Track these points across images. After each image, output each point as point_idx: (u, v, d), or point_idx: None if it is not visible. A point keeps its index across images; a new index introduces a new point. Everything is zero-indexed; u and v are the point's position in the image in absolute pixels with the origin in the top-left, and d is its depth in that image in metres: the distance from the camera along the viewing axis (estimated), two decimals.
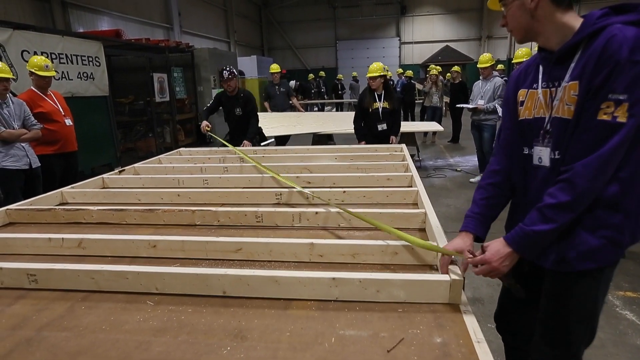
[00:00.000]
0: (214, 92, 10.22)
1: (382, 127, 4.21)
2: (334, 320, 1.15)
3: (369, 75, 4.23)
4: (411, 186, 2.46)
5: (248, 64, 14.06)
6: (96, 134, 6.20)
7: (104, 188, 2.73)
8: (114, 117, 6.84)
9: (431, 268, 1.44)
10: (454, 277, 1.20)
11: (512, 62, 4.87)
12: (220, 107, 4.63)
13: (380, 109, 4.24)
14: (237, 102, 4.45)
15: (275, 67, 7.13)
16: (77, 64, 5.91)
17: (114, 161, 6.76)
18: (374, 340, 1.06)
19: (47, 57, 5.12)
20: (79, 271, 1.34)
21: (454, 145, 8.80)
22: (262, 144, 4.72)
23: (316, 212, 1.87)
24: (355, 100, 14.10)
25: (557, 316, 1.34)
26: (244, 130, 4.34)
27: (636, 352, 2.25)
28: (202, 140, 9.20)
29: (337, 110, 14.63)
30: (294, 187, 2.27)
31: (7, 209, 2.09)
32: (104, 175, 2.84)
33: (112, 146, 6.72)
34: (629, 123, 1.07)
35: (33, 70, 3.70)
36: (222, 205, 2.23)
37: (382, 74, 4.18)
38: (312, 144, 6.43)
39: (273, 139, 5.02)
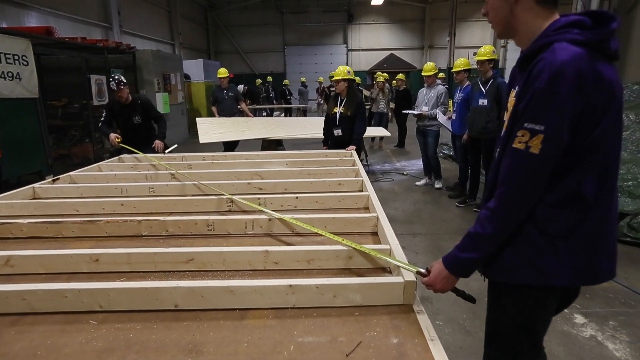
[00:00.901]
0: (158, 95, 9.82)
1: (337, 132, 4.17)
2: (292, 328, 1.14)
3: (333, 78, 4.21)
4: (362, 191, 2.51)
5: (194, 68, 13.65)
6: (23, 139, 5.68)
7: (34, 199, 2.51)
8: (45, 121, 6.32)
9: (384, 271, 1.47)
10: (407, 278, 1.24)
11: (452, 71, 5.12)
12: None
13: (338, 114, 4.18)
14: (134, 110, 4.25)
15: (223, 72, 6.97)
16: (0, 62, 5.39)
17: (44, 169, 6.23)
18: (332, 345, 1.06)
19: None
20: (7, 292, 1.22)
21: (399, 149, 9.12)
22: (166, 151, 4.49)
23: (269, 219, 1.85)
24: (305, 105, 14.19)
25: (490, 322, 1.39)
26: (146, 138, 4.16)
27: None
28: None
29: (285, 116, 14.62)
30: (223, 194, 2.24)
31: None
32: (35, 185, 2.61)
33: (43, 152, 6.20)
34: (541, 155, 1.05)
35: None
36: (171, 214, 2.14)
37: (345, 77, 4.08)
38: (262, 150, 6.37)
39: (176, 145, 4.84)
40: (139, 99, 4.33)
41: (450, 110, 5.39)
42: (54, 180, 2.77)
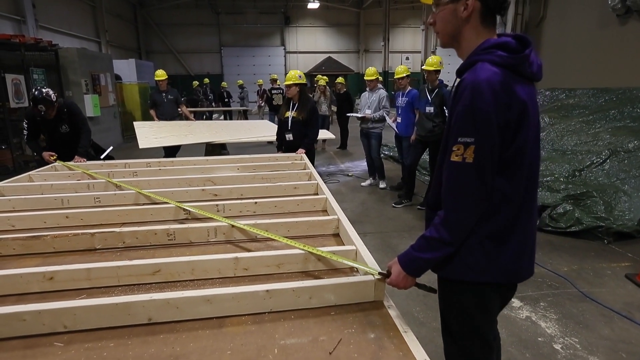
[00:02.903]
0: (87, 97, 9.15)
1: (288, 136, 4.17)
2: (273, 331, 1.17)
3: (285, 82, 4.19)
4: (317, 194, 2.58)
5: (125, 68, 12.87)
6: None
7: None
8: None
9: (352, 270, 1.54)
10: (377, 276, 1.32)
11: (395, 77, 5.39)
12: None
13: (290, 119, 4.18)
14: (60, 119, 3.91)
15: (160, 74, 6.67)
16: None
17: None
18: (314, 344, 1.11)
19: None
20: None
21: (342, 151, 9.36)
22: (101, 156, 4.24)
23: (232, 225, 1.84)
24: (246, 107, 13.98)
25: (441, 314, 1.48)
26: (76, 148, 3.86)
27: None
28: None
29: (225, 119, 14.29)
30: (168, 203, 2.21)
31: None
32: None
33: None
34: (475, 163, 1.15)
35: None
36: (124, 224, 2.04)
37: (297, 82, 4.07)
38: (205, 154, 6.20)
39: (112, 147, 4.61)
40: (64, 106, 3.92)
41: (393, 113, 5.65)
42: None
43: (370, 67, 5.93)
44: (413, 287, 1.38)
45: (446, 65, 4.88)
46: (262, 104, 13.56)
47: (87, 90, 9.22)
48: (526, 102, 1.17)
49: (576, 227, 4.04)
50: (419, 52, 19.97)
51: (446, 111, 4.45)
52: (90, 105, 9.21)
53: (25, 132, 3.87)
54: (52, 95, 3.71)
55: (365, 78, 5.84)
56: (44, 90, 3.68)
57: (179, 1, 20.90)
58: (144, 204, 2.35)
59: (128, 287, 1.42)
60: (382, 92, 5.76)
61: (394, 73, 5.46)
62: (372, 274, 1.34)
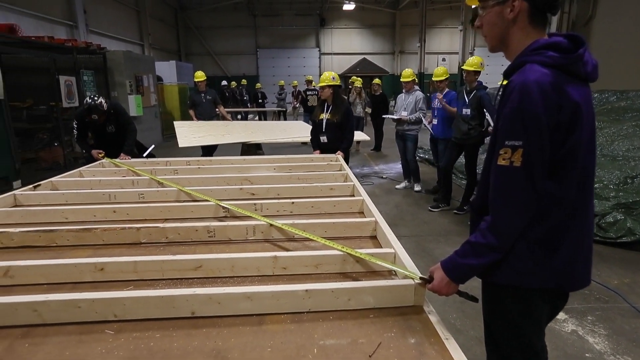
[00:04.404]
0: (131, 98, 9.56)
1: (323, 139, 4.17)
2: (312, 331, 1.18)
3: (318, 84, 4.17)
4: (353, 195, 2.57)
5: (166, 69, 13.36)
6: None
7: (16, 206, 2.41)
8: (10, 124, 6.03)
9: (390, 273, 1.53)
10: (417, 281, 1.30)
11: (433, 79, 5.29)
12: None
13: (324, 121, 4.17)
14: (107, 119, 4.12)
15: (200, 75, 6.88)
16: None
17: (11, 174, 5.94)
18: (354, 347, 1.10)
19: None
20: (16, 304, 1.19)
21: (377, 153, 9.29)
22: (144, 154, 4.43)
23: (270, 225, 1.87)
24: (283, 108, 14.16)
25: (484, 321, 1.44)
26: (120, 146, 4.03)
27: None
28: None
29: (260, 119, 14.54)
30: (208, 201, 2.26)
31: None
32: (16, 192, 2.51)
33: (8, 156, 5.90)
34: (524, 166, 1.11)
35: None
36: (166, 220, 2.12)
37: (331, 83, 4.05)
38: (241, 154, 6.33)
39: (153, 146, 4.76)
40: (111, 107, 4.14)
41: (429, 115, 5.56)
42: (35, 187, 2.67)
43: (406, 69, 5.86)
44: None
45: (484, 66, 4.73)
46: (297, 105, 13.70)
47: (131, 90, 9.64)
48: (579, 103, 1.12)
49: (628, 237, 3.80)
50: (456, 53, 19.48)
51: (486, 113, 4.31)
52: (133, 105, 9.63)
53: (75, 131, 4.11)
54: (104, 105, 3.95)
55: (401, 80, 5.78)
56: (97, 100, 3.91)
57: (217, 4, 21.47)
58: (184, 201, 2.43)
59: (171, 281, 1.47)
60: (419, 94, 5.67)
61: (430, 74, 5.36)
62: (413, 278, 1.32)
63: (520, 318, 1.29)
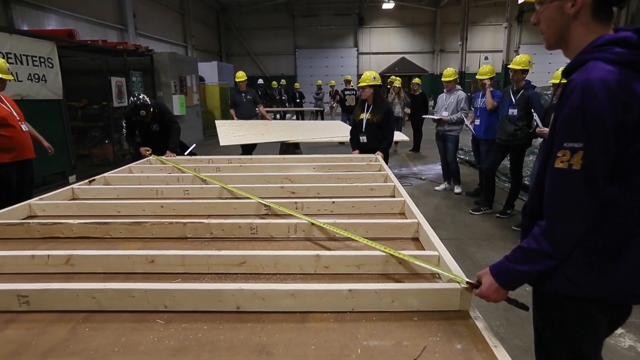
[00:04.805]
0: (175, 97, 9.93)
1: (362, 139, 4.14)
2: (355, 331, 1.17)
3: (359, 84, 4.16)
4: (394, 196, 2.54)
5: (208, 70, 13.79)
6: (48, 140, 5.78)
7: (74, 199, 2.57)
8: (68, 122, 6.44)
9: (434, 276, 1.50)
10: (464, 285, 1.27)
11: (477, 77, 5.13)
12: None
13: (364, 121, 4.14)
14: (152, 118, 4.28)
15: (241, 75, 7.05)
16: (28, 64, 5.52)
17: (67, 169, 6.35)
18: (398, 349, 1.09)
19: None
20: (78, 290, 1.27)
21: (415, 154, 9.13)
22: (185, 152, 4.54)
23: (312, 223, 1.88)
24: (320, 108, 14.24)
25: (536, 329, 1.37)
26: (164, 144, 4.17)
27: None
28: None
29: (297, 119, 14.68)
30: (250, 198, 2.30)
31: None
32: (74, 186, 2.68)
33: (66, 153, 6.32)
34: (584, 170, 1.05)
35: None
36: (210, 216, 2.19)
37: (371, 83, 4.01)
38: (280, 153, 6.42)
39: (195, 144, 4.89)
40: (156, 107, 4.32)
41: (471, 115, 5.40)
42: (90, 182, 2.84)
43: (448, 68, 5.71)
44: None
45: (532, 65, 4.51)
46: (334, 105, 13.72)
47: (175, 90, 10.03)
48: None
49: None
50: (500, 51, 18.79)
51: (534, 114, 4.11)
52: (177, 105, 10.01)
53: (124, 130, 4.33)
54: (148, 100, 4.13)
55: (442, 79, 5.64)
56: (141, 97, 4.11)
57: (258, 6, 21.87)
58: (227, 198, 2.49)
59: (217, 275, 1.51)
60: (461, 94, 5.52)
61: (472, 74, 5.19)
62: (459, 282, 1.28)
63: (577, 330, 1.23)
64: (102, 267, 1.55)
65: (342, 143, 9.51)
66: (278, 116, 13.77)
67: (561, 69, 3.94)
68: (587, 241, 1.13)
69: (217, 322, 1.22)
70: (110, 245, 1.80)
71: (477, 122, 5.20)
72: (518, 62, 4.35)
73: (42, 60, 5.76)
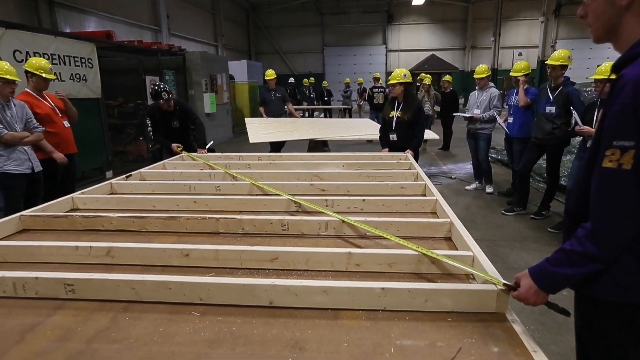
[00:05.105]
0: (205, 95, 10.14)
1: (392, 137, 4.11)
2: (387, 330, 1.16)
3: (389, 81, 4.13)
4: (425, 195, 2.50)
5: (238, 69, 14.01)
6: (88, 137, 6.05)
7: (112, 194, 2.68)
8: (106, 120, 6.70)
9: (468, 277, 1.47)
10: (500, 287, 1.23)
11: (511, 74, 4.96)
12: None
13: (394, 119, 4.11)
14: (174, 115, 4.35)
15: (270, 73, 7.12)
16: (70, 65, 5.78)
17: (105, 165, 6.61)
18: (432, 350, 1.07)
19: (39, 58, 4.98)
20: (119, 281, 1.32)
21: (444, 152, 8.96)
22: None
23: (343, 221, 1.88)
24: (347, 106, 14.19)
25: (578, 334, 1.32)
26: (183, 141, 4.22)
27: None
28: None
29: (325, 117, 14.69)
30: (280, 195, 2.31)
31: (22, 215, 2.03)
32: (112, 181, 2.79)
33: (104, 150, 6.58)
34: (634, 170, 1.00)
35: (37, 72, 3.59)
36: (241, 212, 2.22)
37: (402, 81, 3.97)
38: (308, 150, 6.44)
39: (212, 141, 4.94)
40: (178, 104, 4.41)
41: (504, 113, 5.24)
42: (127, 177, 2.94)
43: (480, 65, 5.56)
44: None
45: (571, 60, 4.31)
46: (362, 103, 13.64)
47: (206, 89, 10.24)
48: None
49: None
50: (535, 46, 18.16)
51: (573, 112, 3.94)
52: (208, 103, 10.22)
53: (149, 127, 4.43)
54: (166, 87, 4.21)
55: (475, 76, 5.50)
56: (161, 85, 4.23)
57: (287, 4, 22.02)
58: (257, 195, 2.53)
59: (249, 271, 1.54)
60: (494, 91, 5.36)
61: (504, 70, 5.03)
62: (495, 284, 1.25)
63: (624, 339, 1.17)
64: (140, 259, 1.60)
65: (370, 141, 9.45)
66: (306, 114, 13.82)
67: (605, 64, 3.79)
68: (638, 244, 1.08)
69: (250, 316, 1.24)
70: (146, 239, 1.86)
71: (511, 120, 5.05)
72: (557, 57, 4.18)
73: (83, 60, 6.02)
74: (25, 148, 3.39)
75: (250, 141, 5.37)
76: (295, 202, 2.23)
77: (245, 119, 6.76)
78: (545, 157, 4.58)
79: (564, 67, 4.19)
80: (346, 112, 14.41)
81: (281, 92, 7.15)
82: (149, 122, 4.49)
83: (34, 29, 5.49)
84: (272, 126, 6.20)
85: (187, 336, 1.14)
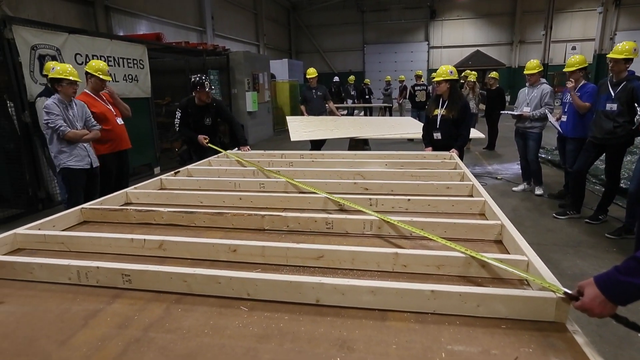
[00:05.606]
0: (248, 94, 10.36)
1: (436, 135, 4.01)
2: (437, 334, 1.13)
3: (434, 79, 4.03)
4: (472, 196, 2.42)
5: (279, 67, 14.19)
6: (138, 135, 6.35)
7: (162, 189, 2.79)
8: (155, 119, 7.01)
9: (521, 283, 1.40)
10: (560, 295, 1.16)
11: (565, 70, 4.66)
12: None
13: (438, 117, 4.00)
14: (207, 111, 4.28)
15: (312, 72, 7.15)
16: (123, 66, 6.09)
17: (153, 161, 6.92)
18: (486, 357, 1.03)
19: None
20: (171, 273, 1.37)
21: (489, 152, 8.62)
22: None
23: (387, 221, 1.85)
24: (388, 105, 14.01)
25: None
26: (214, 138, 4.17)
27: None
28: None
29: (365, 115, 14.58)
30: (316, 193, 2.31)
31: (82, 208, 2.16)
32: (162, 177, 2.91)
33: (152, 147, 6.89)
34: None
35: (96, 74, 3.82)
36: (285, 210, 2.24)
37: (448, 78, 3.87)
38: (348, 149, 6.42)
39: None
40: (214, 101, 4.38)
41: (557, 111, 4.95)
42: (175, 173, 3.06)
43: (532, 60, 5.27)
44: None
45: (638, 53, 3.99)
46: (401, 102, 13.40)
47: (248, 88, 10.46)
48: None
49: None
50: (591, 39, 17.03)
51: (638, 109, 3.65)
52: (250, 101, 10.44)
53: (177, 120, 4.35)
54: (207, 78, 4.24)
55: (525, 72, 5.24)
56: (203, 76, 4.25)
57: (327, 3, 22.03)
58: (301, 193, 2.54)
59: (294, 268, 1.55)
60: (546, 87, 5.08)
61: (555, 66, 4.75)
62: (554, 291, 1.18)
63: None
64: (190, 253, 1.65)
65: (411, 140, 9.29)
66: (346, 112, 13.79)
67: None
68: None
69: (297, 313, 1.25)
70: (195, 233, 1.92)
71: (564, 118, 4.76)
72: (620, 50, 3.88)
73: (135, 62, 6.32)
74: (85, 145, 3.61)
75: (292, 139, 5.42)
76: (339, 201, 2.22)
77: (287, 117, 6.83)
78: (604, 157, 4.28)
79: (628, 61, 3.88)
80: (386, 111, 14.22)
81: (322, 90, 7.16)
82: (177, 115, 4.36)
83: (92, 34, 5.83)
84: (313, 124, 6.23)
85: (237, 330, 1.17)
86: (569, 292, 1.16)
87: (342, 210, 2.21)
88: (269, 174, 2.93)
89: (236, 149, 4.10)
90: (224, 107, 4.66)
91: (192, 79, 4.27)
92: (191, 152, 4.49)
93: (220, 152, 3.82)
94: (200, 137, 4.16)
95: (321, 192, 2.34)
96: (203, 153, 4.05)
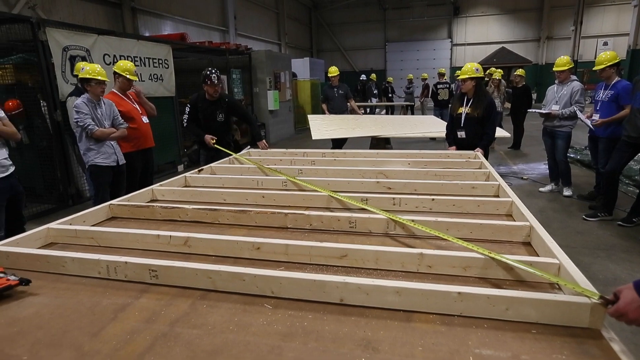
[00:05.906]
0: (269, 93, 10.42)
1: (460, 134, 3.94)
2: (465, 337, 1.10)
3: (459, 76, 3.95)
4: (498, 196, 2.36)
5: (300, 66, 14.22)
6: (163, 133, 6.50)
7: (186, 186, 2.83)
8: (178, 117, 7.14)
9: (552, 287, 1.35)
10: (596, 300, 1.12)
11: (595, 68, 4.49)
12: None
13: (463, 115, 3.93)
14: (219, 107, 4.11)
15: (333, 70, 7.13)
16: (149, 66, 6.23)
17: (177, 159, 7.06)
18: None
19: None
20: (197, 270, 1.38)
21: (515, 151, 8.41)
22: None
23: (412, 220, 1.82)
24: (410, 103, 13.85)
25: None
26: (224, 136, 4.06)
27: None
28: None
29: (387, 113, 14.46)
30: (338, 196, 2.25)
31: (110, 204, 2.22)
32: (186, 174, 2.95)
33: (176, 145, 7.02)
34: None
35: (123, 74, 3.93)
36: (307, 208, 2.24)
37: (473, 76, 3.79)
38: (370, 148, 6.38)
39: (249, 147, 4.87)
40: (226, 97, 4.25)
41: (588, 110, 4.78)
42: (199, 171, 3.10)
43: (562, 57, 5.10)
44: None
45: None
46: (423, 100, 13.22)
47: (270, 86, 10.53)
48: None
49: None
50: (625, 34, 16.34)
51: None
52: (271, 100, 10.50)
53: (185, 116, 4.19)
54: (217, 71, 4.09)
55: (554, 69, 5.07)
56: (214, 70, 4.08)
57: (349, 1, 21.95)
58: (323, 191, 2.53)
59: (318, 267, 1.54)
60: (577, 85, 4.91)
61: (585, 62, 4.56)
62: (588, 296, 1.14)
63: None
64: (214, 250, 1.67)
65: (433, 139, 9.16)
66: (368, 110, 13.71)
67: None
68: None
69: (321, 312, 1.24)
70: (219, 230, 1.94)
71: (596, 117, 4.59)
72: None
73: (160, 61, 6.46)
74: (112, 143, 3.72)
75: (313, 137, 5.42)
76: (362, 200, 2.20)
77: (308, 115, 6.84)
78: (637, 157, 4.10)
79: None
80: (408, 109, 14.07)
81: (344, 88, 7.14)
82: (186, 110, 4.17)
83: (120, 34, 5.99)
84: (334, 123, 6.21)
85: (261, 327, 1.17)
86: (606, 297, 1.11)
87: (365, 209, 2.19)
88: (303, 172, 2.93)
89: (247, 148, 4.02)
90: (237, 103, 4.55)
91: (204, 74, 4.06)
92: (200, 153, 4.32)
93: (230, 154, 3.65)
94: (207, 137, 4.00)
95: (341, 197, 2.33)
96: (210, 158, 3.86)
